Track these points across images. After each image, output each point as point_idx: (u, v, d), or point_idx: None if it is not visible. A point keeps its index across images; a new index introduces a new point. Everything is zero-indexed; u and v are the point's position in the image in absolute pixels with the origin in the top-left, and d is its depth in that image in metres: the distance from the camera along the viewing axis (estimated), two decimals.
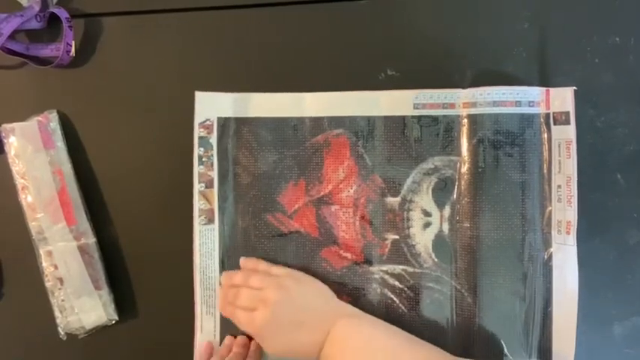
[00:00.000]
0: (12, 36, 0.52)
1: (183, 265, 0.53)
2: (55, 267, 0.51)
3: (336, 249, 0.52)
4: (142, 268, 0.53)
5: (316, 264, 0.52)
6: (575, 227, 0.49)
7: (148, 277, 0.53)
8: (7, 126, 0.51)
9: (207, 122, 0.53)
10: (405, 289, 0.52)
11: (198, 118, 0.52)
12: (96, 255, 0.52)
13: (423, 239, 0.51)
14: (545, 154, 0.50)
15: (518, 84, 0.51)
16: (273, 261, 0.52)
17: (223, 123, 0.53)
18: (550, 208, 0.50)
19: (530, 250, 0.50)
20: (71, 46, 0.52)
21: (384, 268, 0.52)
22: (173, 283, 0.53)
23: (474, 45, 0.52)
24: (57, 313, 0.51)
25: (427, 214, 0.51)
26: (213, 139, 0.52)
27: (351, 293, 0.52)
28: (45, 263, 0.51)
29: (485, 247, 0.50)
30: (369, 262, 0.52)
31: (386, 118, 0.52)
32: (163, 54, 0.53)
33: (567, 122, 0.50)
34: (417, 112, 0.51)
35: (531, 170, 0.50)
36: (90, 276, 0.51)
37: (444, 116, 0.51)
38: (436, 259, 0.51)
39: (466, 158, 0.51)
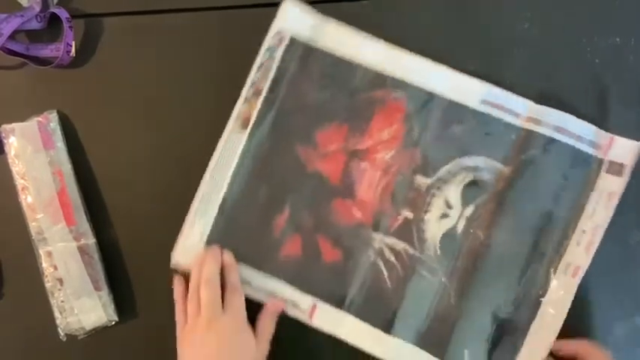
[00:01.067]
0: (12, 36, 0.52)
1: None
2: (55, 267, 0.51)
3: (349, 204, 0.51)
4: (142, 269, 0.53)
5: (324, 211, 0.52)
6: (583, 274, 0.49)
7: (148, 277, 0.53)
8: (7, 126, 0.51)
9: (281, 35, 0.52)
10: (398, 267, 0.51)
11: (275, 26, 0.52)
12: (96, 255, 0.52)
13: (434, 228, 0.51)
14: (585, 196, 0.50)
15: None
16: (282, 193, 0.51)
17: (294, 43, 0.52)
18: (566, 248, 0.50)
19: (529, 279, 0.50)
20: (71, 46, 0.52)
21: (388, 240, 0.51)
22: (173, 283, 0.53)
23: (474, 45, 0.52)
24: (57, 314, 0.51)
25: (449, 206, 0.51)
26: (278, 54, 0.52)
27: (345, 249, 0.51)
28: (45, 264, 0.51)
29: (489, 259, 0.50)
30: (375, 228, 0.51)
31: (450, 102, 0.51)
32: (163, 54, 0.53)
33: (619, 174, 0.49)
34: (482, 109, 0.51)
35: (564, 205, 0.50)
36: (90, 276, 0.51)
37: (506, 123, 0.51)
38: (439, 252, 0.51)
39: (508, 170, 0.50)
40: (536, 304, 0.50)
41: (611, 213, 0.49)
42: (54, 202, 0.51)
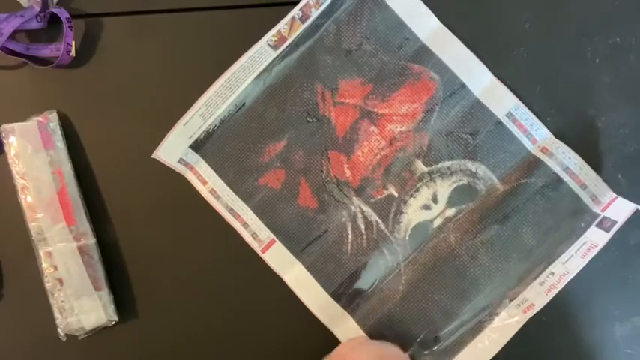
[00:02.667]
0: (12, 36, 0.52)
1: (184, 266, 0.53)
2: (55, 268, 0.51)
3: (344, 160, 0.52)
4: (142, 269, 0.53)
5: (318, 157, 0.52)
6: (533, 313, 0.48)
7: (148, 277, 0.53)
8: (7, 126, 0.51)
9: None
10: (364, 236, 0.51)
11: None
12: (96, 256, 0.52)
13: (412, 215, 0.51)
14: (568, 242, 0.49)
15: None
16: (286, 123, 0.51)
17: None
18: (529, 283, 0.50)
19: (480, 299, 0.50)
20: (71, 46, 0.52)
21: (365, 208, 0.51)
22: (173, 283, 0.53)
23: (474, 45, 0.52)
24: (57, 314, 0.51)
25: (435, 200, 0.51)
26: None
27: (322, 201, 0.52)
28: (45, 264, 0.51)
29: (451, 264, 0.51)
30: (358, 193, 0.52)
31: (478, 102, 0.51)
32: (163, 54, 0.53)
33: (608, 230, 0.48)
34: (504, 121, 0.50)
35: (544, 245, 0.50)
36: (90, 277, 0.51)
37: (521, 144, 0.51)
38: (407, 238, 0.51)
39: (503, 188, 0.50)
40: (480, 327, 0.50)
41: (584, 263, 0.48)
42: (54, 202, 0.51)
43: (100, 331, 0.52)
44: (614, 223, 0.48)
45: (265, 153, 0.52)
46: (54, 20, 0.53)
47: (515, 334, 0.51)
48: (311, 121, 0.52)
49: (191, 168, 0.52)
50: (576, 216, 0.50)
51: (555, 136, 0.51)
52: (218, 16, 0.53)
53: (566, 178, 0.49)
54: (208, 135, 0.51)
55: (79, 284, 0.51)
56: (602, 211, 0.49)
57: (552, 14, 0.51)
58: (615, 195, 0.50)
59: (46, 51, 0.53)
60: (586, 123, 0.51)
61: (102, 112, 0.53)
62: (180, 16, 0.53)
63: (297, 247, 0.52)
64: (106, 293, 0.52)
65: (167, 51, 0.53)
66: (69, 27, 0.51)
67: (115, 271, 0.53)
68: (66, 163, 0.52)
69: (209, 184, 0.52)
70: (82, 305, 0.51)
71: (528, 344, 0.52)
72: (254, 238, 0.52)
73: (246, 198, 0.52)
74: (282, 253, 0.52)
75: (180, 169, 0.52)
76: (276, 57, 0.51)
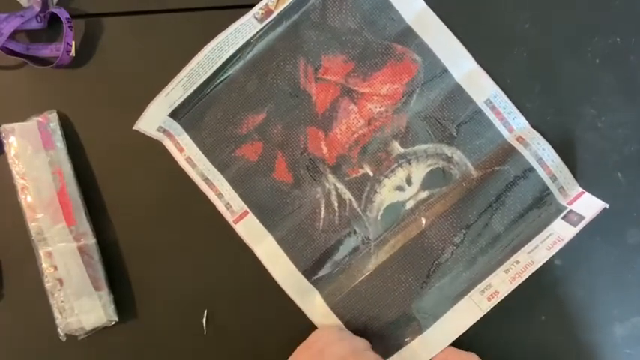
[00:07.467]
0: (12, 36, 0.52)
1: (184, 266, 0.53)
2: (55, 268, 0.51)
3: (321, 136, 0.52)
4: (142, 269, 0.53)
5: (296, 132, 0.52)
6: (497, 301, 0.48)
7: (148, 277, 0.53)
8: (7, 126, 0.51)
9: None
10: (337, 214, 0.52)
11: None
12: (96, 256, 0.52)
13: (386, 195, 0.51)
14: (534, 232, 0.50)
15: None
16: (266, 96, 0.51)
17: None
18: (494, 270, 0.50)
19: (446, 282, 0.50)
20: (71, 46, 0.52)
21: (339, 185, 0.52)
22: (173, 283, 0.53)
23: (474, 45, 0.52)
24: (56, 314, 0.51)
25: (409, 182, 0.51)
26: None
27: (297, 176, 0.52)
28: (44, 264, 0.51)
29: (418, 245, 0.51)
30: (333, 171, 0.52)
31: (458, 87, 0.51)
32: (163, 54, 0.53)
33: (575, 225, 0.48)
34: (483, 108, 0.51)
35: (511, 233, 0.50)
36: (90, 277, 0.51)
37: (497, 132, 0.51)
38: (379, 219, 0.51)
39: (477, 176, 0.50)
40: (443, 310, 0.50)
41: (550, 255, 0.48)
42: (54, 202, 0.51)
43: (99, 331, 0.52)
44: (582, 218, 0.48)
45: (244, 124, 0.52)
46: (54, 20, 0.53)
47: (515, 334, 0.51)
48: (291, 95, 0.52)
49: (169, 135, 0.52)
50: (543, 206, 0.50)
51: (555, 137, 0.51)
52: (218, 16, 0.53)
53: (537, 167, 0.50)
54: (189, 104, 0.51)
55: (79, 284, 0.51)
56: (569, 204, 0.49)
57: (552, 14, 0.52)
58: (582, 190, 0.50)
59: (46, 51, 0.53)
60: (586, 123, 0.51)
61: (102, 112, 0.53)
62: (181, 16, 0.53)
63: (270, 220, 0.52)
64: (106, 293, 0.52)
65: (167, 51, 0.53)
66: (69, 27, 0.51)
67: (115, 271, 0.53)
68: (66, 163, 0.52)
69: (185, 151, 0.52)
70: (82, 305, 0.51)
71: (528, 344, 0.52)
72: (227, 209, 0.52)
73: (222, 168, 0.52)
74: (253, 226, 0.52)
75: (158, 136, 0.52)
76: (261, 29, 0.51)
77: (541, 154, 0.50)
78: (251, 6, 0.51)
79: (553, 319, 0.52)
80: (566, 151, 0.51)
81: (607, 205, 0.48)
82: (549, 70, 0.52)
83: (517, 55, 0.52)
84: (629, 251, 0.51)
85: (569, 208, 0.49)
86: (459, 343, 0.50)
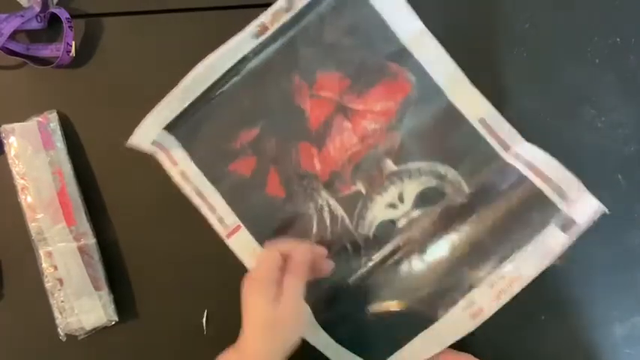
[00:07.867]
0: (12, 36, 0.52)
1: (184, 266, 0.53)
2: (55, 268, 0.51)
3: (314, 152, 0.51)
4: (142, 269, 0.53)
5: (289, 147, 0.52)
6: (482, 321, 0.48)
7: (148, 277, 0.53)
8: (7, 126, 0.51)
9: None
10: (329, 229, 0.51)
11: None
12: (96, 256, 0.52)
13: (378, 212, 0.51)
14: (525, 243, 0.48)
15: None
16: (261, 112, 0.51)
17: None
18: (477, 285, 0.49)
19: (436, 297, 0.50)
20: (71, 46, 0.52)
21: (332, 201, 0.51)
22: (173, 283, 0.53)
23: (473, 44, 0.52)
24: (56, 314, 0.51)
25: (401, 200, 0.51)
26: None
27: (290, 191, 0.51)
28: (44, 264, 0.51)
29: (406, 265, 0.50)
30: (326, 186, 0.51)
31: (451, 106, 0.50)
32: (163, 54, 0.53)
33: (567, 231, 0.47)
34: (478, 128, 0.50)
35: (501, 246, 0.49)
36: (90, 277, 0.51)
37: (493, 151, 0.50)
38: (371, 236, 0.51)
39: (470, 193, 0.50)
40: (426, 324, 0.50)
41: (540, 269, 0.47)
42: (54, 202, 0.51)
43: (99, 331, 0.52)
44: (576, 224, 0.47)
45: (238, 139, 0.52)
46: (54, 20, 0.53)
47: (515, 334, 0.51)
48: (286, 111, 0.51)
49: (162, 149, 0.52)
50: (540, 214, 0.49)
51: (555, 137, 0.51)
52: (218, 16, 0.53)
53: (533, 178, 0.49)
54: (183, 118, 0.51)
55: (79, 284, 0.51)
56: (570, 208, 0.48)
57: (552, 14, 0.52)
58: (580, 193, 0.48)
59: (46, 51, 0.53)
60: (586, 123, 0.51)
61: (102, 112, 0.53)
62: (181, 16, 0.53)
63: (263, 235, 0.52)
64: (106, 293, 0.52)
65: (167, 51, 0.53)
66: (69, 27, 0.51)
67: (115, 271, 0.53)
68: (66, 163, 0.52)
69: (179, 165, 0.52)
70: (82, 305, 0.51)
71: (528, 344, 0.52)
72: (220, 223, 0.52)
73: (215, 182, 0.52)
74: (246, 240, 0.52)
75: (151, 150, 0.51)
76: (258, 45, 0.51)
77: (538, 164, 0.49)
78: (251, 6, 0.52)
79: (553, 319, 0.52)
80: (565, 151, 0.51)
81: (607, 210, 0.47)
82: (549, 70, 0.52)
83: (517, 55, 0.52)
84: (630, 251, 0.51)
85: (567, 213, 0.48)
86: (458, 344, 0.50)
